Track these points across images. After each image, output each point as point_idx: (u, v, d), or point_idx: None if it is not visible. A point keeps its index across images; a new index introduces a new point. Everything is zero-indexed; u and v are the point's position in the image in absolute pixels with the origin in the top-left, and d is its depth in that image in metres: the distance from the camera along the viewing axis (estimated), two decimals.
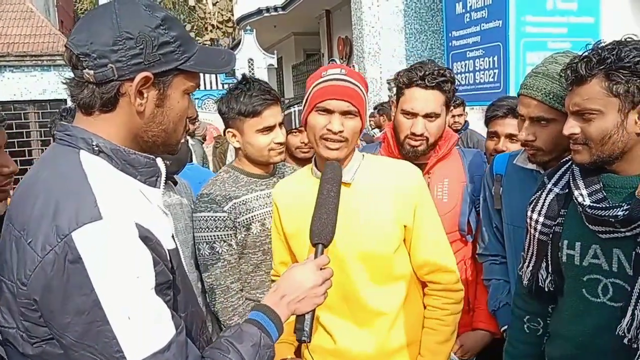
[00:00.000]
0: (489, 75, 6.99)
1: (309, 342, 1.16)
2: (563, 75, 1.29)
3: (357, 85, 1.47)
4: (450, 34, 7.74)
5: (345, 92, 1.44)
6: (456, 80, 1.91)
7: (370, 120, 7.11)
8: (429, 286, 1.59)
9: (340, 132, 1.43)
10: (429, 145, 1.88)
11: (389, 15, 8.28)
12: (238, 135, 1.87)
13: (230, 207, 1.80)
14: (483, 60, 7.08)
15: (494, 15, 6.78)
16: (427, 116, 1.83)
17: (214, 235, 1.79)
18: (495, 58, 6.81)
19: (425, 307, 1.60)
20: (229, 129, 1.90)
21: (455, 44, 7.66)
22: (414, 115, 1.83)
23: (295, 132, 2.27)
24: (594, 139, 1.21)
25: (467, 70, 7.45)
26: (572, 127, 1.25)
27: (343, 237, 1.47)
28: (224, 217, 1.79)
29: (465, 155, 2.03)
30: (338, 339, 1.55)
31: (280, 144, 1.85)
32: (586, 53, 1.22)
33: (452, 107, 2.20)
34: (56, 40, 13.63)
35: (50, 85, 13.10)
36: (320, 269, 1.18)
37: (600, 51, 1.19)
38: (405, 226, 1.51)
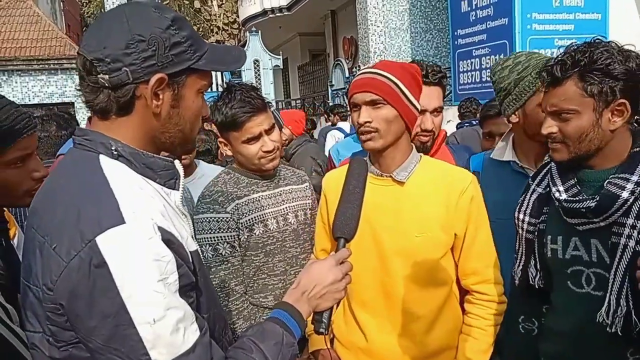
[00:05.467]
0: None
1: (327, 334, 1.15)
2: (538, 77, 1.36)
3: (383, 75, 1.45)
4: (455, 33, 7.71)
5: (366, 83, 1.45)
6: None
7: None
8: (473, 295, 1.56)
9: (367, 122, 1.43)
10: (434, 140, 1.90)
11: (394, 14, 8.28)
12: (228, 144, 1.86)
13: (233, 208, 1.79)
14: (489, 58, 7.05)
15: (499, 12, 6.76)
16: (433, 111, 1.86)
17: (217, 237, 1.77)
18: (502, 56, 6.78)
19: (465, 314, 1.58)
20: (219, 139, 1.90)
21: (461, 42, 7.63)
22: (422, 112, 1.83)
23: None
24: (571, 137, 1.27)
25: (473, 68, 7.43)
26: (550, 126, 1.31)
27: (389, 236, 1.48)
28: (227, 218, 1.77)
29: (455, 151, 2.03)
30: (371, 338, 1.54)
31: (269, 151, 1.80)
32: (560, 56, 1.28)
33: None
34: (63, 44, 13.73)
35: (58, 88, 13.21)
36: (341, 263, 1.16)
37: (573, 54, 1.25)
38: (455, 234, 1.50)
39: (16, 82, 13.07)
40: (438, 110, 1.87)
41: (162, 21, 0.95)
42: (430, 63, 1.89)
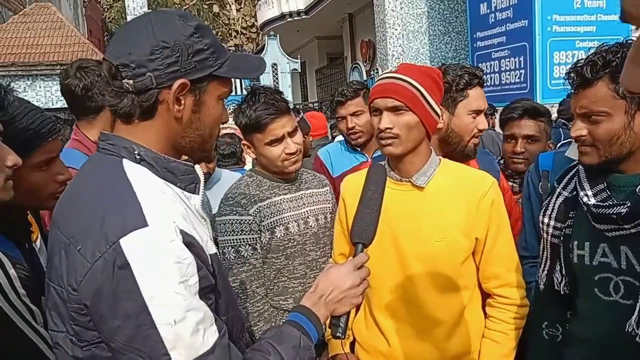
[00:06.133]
0: (515, 76, 6.89)
1: (344, 338, 1.15)
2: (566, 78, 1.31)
3: (405, 80, 1.44)
4: (474, 35, 7.66)
5: (388, 88, 1.45)
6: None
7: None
8: (495, 299, 1.55)
9: (388, 128, 1.43)
10: None
11: (412, 17, 8.23)
12: (251, 147, 1.88)
13: (255, 210, 1.81)
14: (509, 61, 6.98)
15: (519, 15, 6.68)
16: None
17: (240, 239, 1.79)
18: (522, 58, 6.71)
19: (487, 318, 1.57)
20: (243, 141, 1.93)
21: (480, 44, 7.57)
22: (479, 113, 1.79)
23: None
24: (602, 140, 1.23)
25: (492, 71, 7.35)
26: (579, 129, 1.27)
27: (410, 241, 1.47)
28: (250, 220, 1.79)
29: (477, 155, 2.01)
30: (392, 342, 1.54)
31: (292, 153, 1.82)
32: (590, 57, 1.24)
33: None
34: (85, 49, 13.97)
35: None
36: (359, 268, 1.17)
37: (604, 54, 1.21)
38: (476, 238, 1.49)
39: (40, 87, 13.34)
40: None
41: (186, 29, 0.98)
42: (473, 65, 1.86)
